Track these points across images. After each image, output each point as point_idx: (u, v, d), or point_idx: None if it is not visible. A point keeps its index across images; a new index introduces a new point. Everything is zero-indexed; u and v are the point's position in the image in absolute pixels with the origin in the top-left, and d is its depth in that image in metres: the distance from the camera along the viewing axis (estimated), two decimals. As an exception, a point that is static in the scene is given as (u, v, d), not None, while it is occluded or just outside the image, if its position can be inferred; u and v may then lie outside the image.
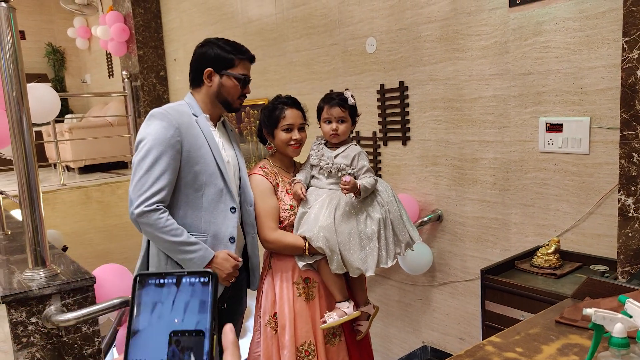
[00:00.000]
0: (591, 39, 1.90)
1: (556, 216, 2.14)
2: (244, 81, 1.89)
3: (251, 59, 1.94)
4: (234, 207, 1.91)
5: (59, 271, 1.80)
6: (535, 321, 1.21)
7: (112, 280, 2.15)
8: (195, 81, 1.92)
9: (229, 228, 1.88)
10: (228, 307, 2.07)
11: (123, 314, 1.98)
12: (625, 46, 1.54)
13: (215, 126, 1.97)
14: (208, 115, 1.92)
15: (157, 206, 1.70)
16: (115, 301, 1.72)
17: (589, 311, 0.90)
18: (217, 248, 1.88)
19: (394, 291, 2.96)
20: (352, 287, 2.16)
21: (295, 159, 2.24)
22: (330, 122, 2.06)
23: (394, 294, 2.97)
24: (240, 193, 1.99)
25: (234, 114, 4.08)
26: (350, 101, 2.07)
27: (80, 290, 1.75)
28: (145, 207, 1.68)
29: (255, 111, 3.82)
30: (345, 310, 2.03)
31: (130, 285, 2.17)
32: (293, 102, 2.13)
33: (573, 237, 2.09)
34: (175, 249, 1.76)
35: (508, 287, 1.88)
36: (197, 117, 1.86)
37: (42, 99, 2.47)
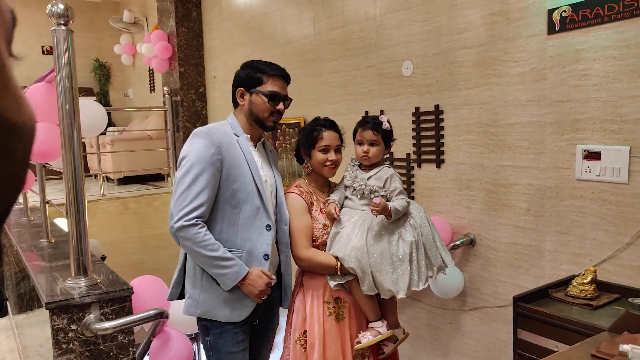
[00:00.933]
0: (632, 67, 1.89)
1: (593, 245, 2.10)
2: (273, 97, 1.90)
3: (283, 76, 1.97)
4: (269, 225, 1.93)
5: (99, 280, 1.87)
6: (570, 354, 1.20)
7: (149, 291, 2.21)
8: (234, 102, 1.98)
9: (263, 245, 1.91)
10: (260, 323, 2.09)
11: (158, 324, 2.04)
12: (667, 77, 1.53)
13: (255, 146, 2.00)
14: (249, 136, 1.96)
15: (196, 221, 1.74)
16: (151, 312, 1.78)
17: (626, 347, 0.89)
18: (252, 264, 1.90)
19: (424, 314, 2.94)
20: (383, 308, 2.17)
21: (330, 179, 2.28)
22: (362, 144, 2.10)
23: (424, 317, 2.95)
24: (276, 212, 2.02)
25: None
26: (385, 125, 2.10)
27: (119, 300, 1.81)
28: (185, 221, 1.73)
29: (291, 129, 3.89)
30: (379, 329, 2.04)
31: (164, 296, 2.22)
32: (331, 125, 2.18)
33: (610, 268, 2.05)
34: (211, 263, 1.80)
35: (542, 316, 1.85)
36: (238, 137, 1.91)
37: (91, 114, 2.58)
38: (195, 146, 1.80)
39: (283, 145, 4.01)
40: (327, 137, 2.13)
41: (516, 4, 2.25)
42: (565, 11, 2.06)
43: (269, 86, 1.91)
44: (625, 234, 1.98)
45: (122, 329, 1.79)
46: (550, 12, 2.12)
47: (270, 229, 1.94)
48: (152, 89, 6.98)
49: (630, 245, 1.97)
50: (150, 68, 6.32)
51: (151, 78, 6.96)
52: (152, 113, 6.47)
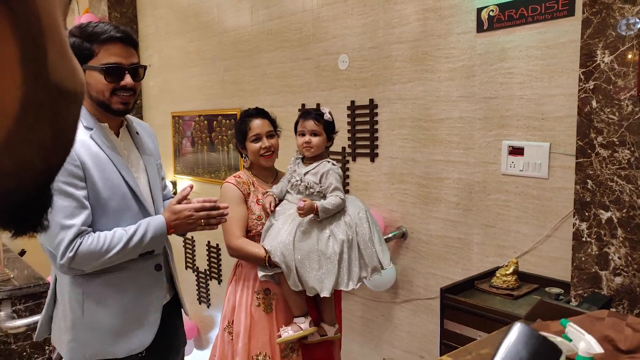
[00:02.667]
0: (552, 67, 1.97)
1: (516, 238, 2.18)
2: (110, 71, 1.49)
3: (122, 38, 1.52)
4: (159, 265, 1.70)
5: (12, 276, 1.76)
6: (487, 341, 1.23)
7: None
8: None
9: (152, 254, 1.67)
10: (156, 352, 1.73)
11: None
12: (582, 77, 1.60)
13: (117, 135, 1.66)
14: (106, 124, 1.61)
15: (76, 240, 1.48)
16: (69, 309, 1.68)
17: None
18: (140, 280, 1.64)
19: (358, 307, 2.97)
20: (321, 303, 2.17)
21: (279, 169, 2.26)
22: (304, 134, 2.08)
23: (357, 310, 2.97)
24: (156, 207, 1.74)
25: (205, 122, 4.05)
26: (326, 116, 2.10)
27: (33, 296, 1.71)
28: (70, 252, 1.47)
29: (227, 121, 3.82)
30: (302, 325, 2.03)
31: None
32: (258, 112, 2.17)
33: (531, 259, 2.14)
34: (127, 251, 1.54)
35: (466, 307, 1.91)
36: (91, 130, 1.56)
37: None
38: None
39: (219, 137, 3.93)
40: (256, 125, 2.12)
41: (448, 1, 2.30)
42: (492, 10, 2.12)
43: (104, 57, 1.49)
44: (545, 226, 2.07)
45: (37, 327, 1.69)
46: (480, 10, 2.17)
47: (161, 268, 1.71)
48: (84, 76, 6.65)
49: (549, 238, 2.07)
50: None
51: (82, 65, 6.63)
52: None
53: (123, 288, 1.62)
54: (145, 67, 1.63)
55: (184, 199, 1.65)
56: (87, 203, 1.50)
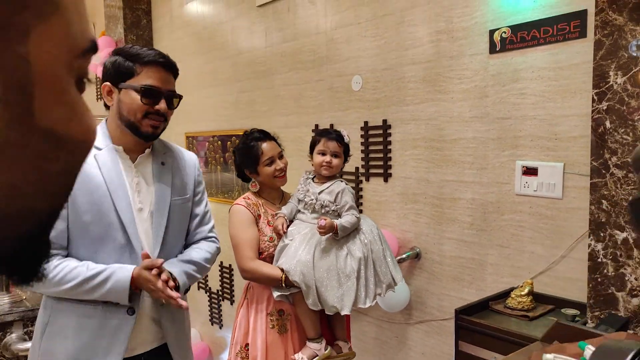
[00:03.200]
0: (565, 88, 1.97)
1: (530, 258, 2.17)
2: (148, 93, 1.46)
3: (164, 64, 1.51)
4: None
5: (24, 297, 1.77)
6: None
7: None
8: (105, 103, 1.54)
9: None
10: None
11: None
12: (595, 97, 1.60)
13: (134, 160, 1.56)
14: (120, 147, 1.53)
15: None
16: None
17: (548, 357, 0.91)
18: (108, 314, 1.47)
19: (371, 328, 2.95)
20: (333, 322, 2.16)
21: (284, 189, 2.28)
22: (325, 154, 2.10)
23: (371, 331, 2.95)
24: (150, 246, 1.56)
25: (219, 142, 4.10)
26: (346, 139, 2.13)
27: (32, 320, 1.71)
28: None
29: (241, 141, 3.86)
30: (317, 351, 2.02)
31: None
32: (265, 135, 2.18)
33: (547, 280, 2.12)
34: (81, 292, 1.40)
35: (481, 328, 1.89)
36: (99, 149, 1.48)
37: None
38: None
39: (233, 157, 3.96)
40: (268, 149, 2.12)
41: (460, 23, 2.33)
42: (505, 32, 2.14)
43: (143, 78, 1.47)
44: (560, 247, 2.06)
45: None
46: (492, 32, 2.19)
47: None
48: (99, 97, 6.77)
49: (564, 258, 2.05)
50: (97, 76, 6.13)
51: (98, 86, 6.76)
52: (99, 122, 6.26)
53: (86, 324, 1.46)
54: (180, 97, 1.62)
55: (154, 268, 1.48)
56: (60, 221, 1.37)
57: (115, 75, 1.48)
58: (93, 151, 1.41)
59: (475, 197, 2.35)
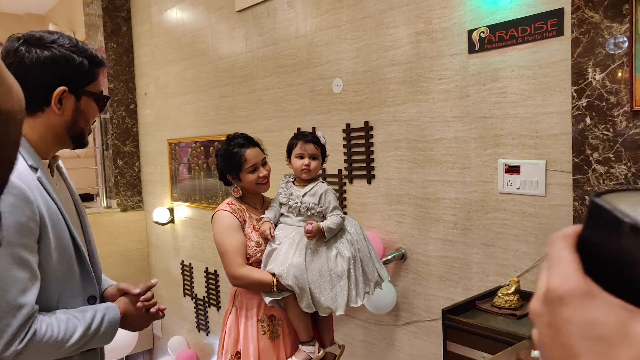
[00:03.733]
0: (544, 86, 1.99)
1: (516, 256, 2.18)
2: (106, 100, 1.31)
3: (105, 62, 1.31)
4: (94, 297, 1.33)
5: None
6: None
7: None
8: (34, 107, 1.20)
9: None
10: None
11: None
12: (574, 94, 1.61)
13: (52, 174, 1.33)
14: (47, 162, 1.29)
15: (30, 329, 1.12)
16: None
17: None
18: None
19: (359, 330, 2.94)
20: (319, 326, 2.15)
21: (264, 194, 2.26)
22: (302, 157, 2.09)
23: (359, 334, 2.94)
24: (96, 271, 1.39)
25: (202, 148, 4.06)
26: (322, 141, 2.13)
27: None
28: (18, 344, 1.09)
29: (224, 147, 3.83)
30: (310, 353, 2.01)
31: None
32: (249, 141, 2.15)
33: (533, 278, 2.13)
34: (82, 344, 1.21)
35: (468, 327, 1.89)
36: (36, 170, 1.20)
37: None
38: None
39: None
40: (251, 155, 2.10)
41: (439, 24, 2.33)
42: (483, 32, 2.15)
43: (98, 84, 1.29)
44: (545, 244, 2.07)
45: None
46: (470, 32, 2.20)
47: (96, 301, 1.33)
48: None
49: (549, 255, 2.05)
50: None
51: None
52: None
53: None
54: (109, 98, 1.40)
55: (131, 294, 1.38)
56: (38, 272, 1.15)
57: (75, 77, 1.21)
58: (33, 174, 1.18)
59: (459, 197, 2.36)
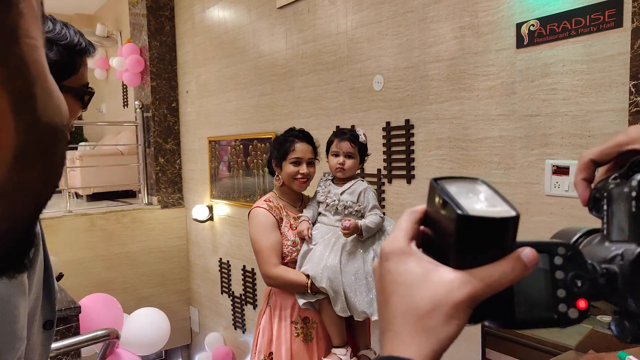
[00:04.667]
0: (599, 82, 1.87)
1: (563, 263, 2.05)
2: (90, 94, 1.04)
3: (93, 48, 1.03)
4: (51, 322, 1.03)
5: (44, 299, 1.75)
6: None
7: (100, 311, 2.09)
8: None
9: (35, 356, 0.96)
10: None
11: (108, 346, 1.91)
12: (633, 89, 1.50)
13: None
14: None
15: None
16: (99, 332, 1.66)
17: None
18: None
19: (395, 334, 2.86)
20: (354, 330, 2.09)
21: (303, 193, 2.21)
22: (337, 155, 2.04)
23: (395, 338, 2.86)
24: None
25: (241, 146, 4.07)
26: (362, 138, 2.06)
27: (64, 320, 1.69)
28: None
29: (262, 144, 3.82)
30: (342, 357, 1.95)
31: (117, 316, 2.10)
32: (304, 136, 2.11)
33: (581, 286, 2.00)
34: None
35: (509, 335, 1.79)
36: None
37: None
38: None
39: (255, 161, 3.93)
40: (300, 149, 2.06)
41: (485, 17, 2.24)
42: (533, 25, 2.05)
43: (82, 76, 1.03)
44: (595, 250, 1.94)
45: (67, 351, 1.67)
46: (519, 25, 2.10)
47: (52, 326, 1.04)
48: (126, 104, 6.86)
49: (600, 262, 1.93)
50: (124, 83, 6.21)
51: (124, 93, 6.85)
52: (124, 128, 6.34)
53: None
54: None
55: None
56: None
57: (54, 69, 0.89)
58: None
59: (503, 199, 2.25)
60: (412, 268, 0.39)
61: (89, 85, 1.07)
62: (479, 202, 0.38)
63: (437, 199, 0.39)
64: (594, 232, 0.50)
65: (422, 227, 0.43)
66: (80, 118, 7.93)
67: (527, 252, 0.38)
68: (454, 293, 0.38)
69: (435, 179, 0.40)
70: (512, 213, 0.37)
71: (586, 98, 1.91)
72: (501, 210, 0.37)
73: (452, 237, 0.37)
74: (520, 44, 2.11)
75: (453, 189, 0.39)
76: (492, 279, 0.38)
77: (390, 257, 0.41)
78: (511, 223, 0.37)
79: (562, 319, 0.41)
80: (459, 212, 0.36)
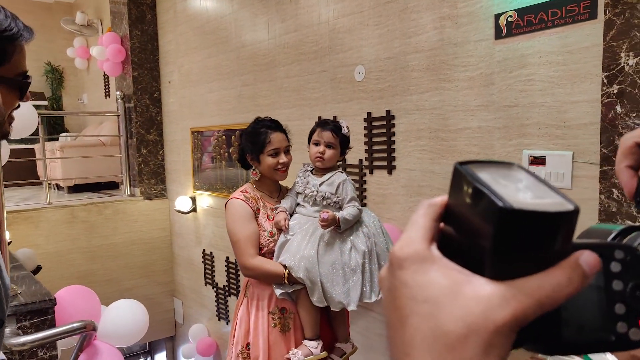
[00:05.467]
0: (574, 73, 1.88)
1: (539, 252, 2.08)
2: (27, 83, 0.97)
3: (31, 34, 0.96)
4: (1, 321, 1.06)
5: (19, 292, 1.73)
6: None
7: (77, 303, 2.08)
8: None
9: None
10: None
11: (85, 338, 1.90)
12: (605, 81, 1.52)
13: None
14: None
15: None
16: (75, 325, 1.65)
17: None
18: None
19: (376, 324, 2.88)
20: (333, 320, 2.10)
21: (281, 182, 2.21)
22: (318, 144, 2.03)
23: (376, 327, 2.88)
24: None
25: (224, 137, 4.05)
26: (344, 131, 2.05)
27: (39, 312, 1.67)
28: None
29: (245, 135, 3.80)
30: (312, 349, 1.96)
31: (94, 308, 2.08)
32: (277, 126, 2.10)
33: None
34: None
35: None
36: None
37: (20, 114, 2.43)
38: None
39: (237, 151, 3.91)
40: (276, 139, 2.05)
41: (464, 8, 2.24)
42: (511, 16, 2.05)
43: (18, 64, 0.95)
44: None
45: (43, 344, 1.66)
46: (497, 16, 2.10)
47: (1, 325, 1.07)
48: (107, 94, 6.77)
49: (575, 251, 1.96)
50: (105, 73, 6.13)
51: (106, 83, 6.75)
52: (106, 119, 6.26)
53: None
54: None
55: None
56: None
57: None
58: None
59: (482, 189, 2.27)
60: (437, 279, 0.30)
61: (27, 74, 0.97)
62: (520, 192, 0.30)
63: (466, 188, 0.31)
64: (632, 231, 0.39)
65: (441, 225, 0.34)
66: (62, 109, 7.82)
67: (587, 257, 0.30)
68: (494, 313, 0.28)
69: (461, 163, 0.32)
70: (569, 207, 0.28)
71: (562, 89, 1.93)
72: (553, 202, 0.29)
73: (489, 238, 0.29)
74: (498, 35, 2.11)
75: (485, 175, 0.31)
76: (543, 292, 0.29)
77: (405, 264, 0.32)
78: (568, 219, 0.29)
79: (622, 341, 0.31)
80: (501, 204, 0.28)
